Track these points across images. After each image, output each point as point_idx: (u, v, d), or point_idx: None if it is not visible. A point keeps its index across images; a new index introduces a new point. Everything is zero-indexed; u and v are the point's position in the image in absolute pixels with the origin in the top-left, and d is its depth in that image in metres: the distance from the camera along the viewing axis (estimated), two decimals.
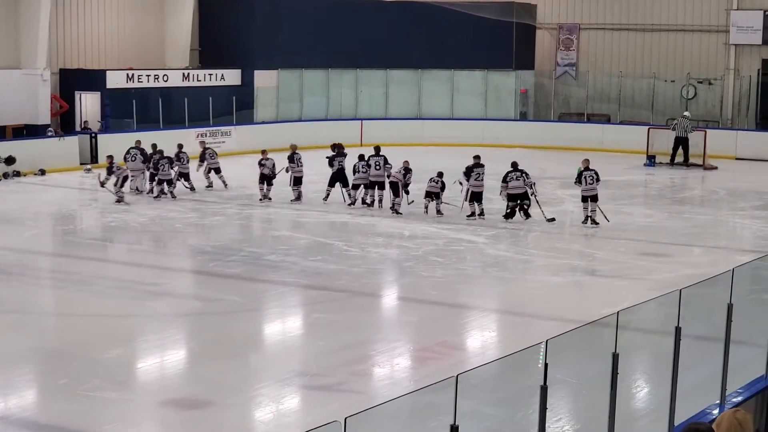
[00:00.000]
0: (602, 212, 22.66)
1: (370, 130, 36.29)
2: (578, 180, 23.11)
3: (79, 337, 14.25)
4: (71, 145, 29.94)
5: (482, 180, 23.60)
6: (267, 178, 25.36)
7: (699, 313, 11.30)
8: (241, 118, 35.83)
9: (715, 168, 32.58)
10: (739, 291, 10.83)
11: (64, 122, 32.29)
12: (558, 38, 41.08)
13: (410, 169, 24.19)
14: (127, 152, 26.03)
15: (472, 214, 23.27)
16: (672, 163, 33.02)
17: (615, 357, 8.69)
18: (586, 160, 23.58)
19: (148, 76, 33.98)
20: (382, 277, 18.43)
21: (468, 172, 23.75)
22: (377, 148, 25.20)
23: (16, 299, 16.39)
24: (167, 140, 28.81)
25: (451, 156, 34.29)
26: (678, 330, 9.60)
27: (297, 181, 25.27)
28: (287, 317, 15.82)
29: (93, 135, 30.51)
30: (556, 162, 33.79)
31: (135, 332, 14.66)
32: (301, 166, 25.38)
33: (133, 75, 33.47)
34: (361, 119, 37.46)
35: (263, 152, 25.94)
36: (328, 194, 25.05)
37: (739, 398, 10.43)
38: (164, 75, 34.53)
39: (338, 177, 25.14)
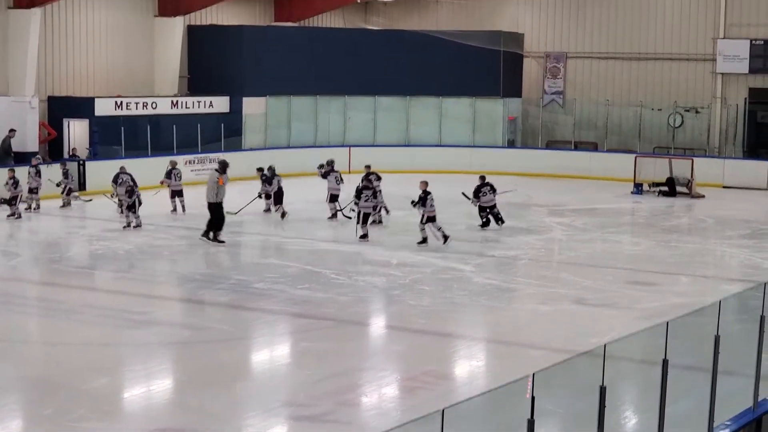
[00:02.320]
0: (443, 231, 23.11)
1: (358, 156, 36.25)
2: (419, 203, 23.42)
3: (65, 367, 14.15)
4: (58, 173, 29.81)
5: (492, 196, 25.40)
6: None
7: (686, 344, 11.32)
8: (229, 144, 35.83)
9: (703, 196, 32.66)
10: (727, 321, 10.84)
11: (52, 149, 32.24)
12: (545, 66, 41.26)
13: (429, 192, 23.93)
14: (117, 177, 26.40)
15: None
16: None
17: (602, 390, 8.68)
18: (425, 182, 24.03)
19: (136, 103, 33.99)
20: (369, 306, 18.40)
21: (477, 192, 25.39)
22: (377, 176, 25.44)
23: (1, 328, 16.28)
24: (155, 167, 28.88)
25: (439, 182, 34.39)
26: (665, 362, 9.60)
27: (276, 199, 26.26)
28: (275, 346, 15.77)
29: (81, 162, 30.46)
30: (543, 189, 33.93)
31: (121, 361, 14.57)
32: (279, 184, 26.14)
33: (121, 102, 33.48)
34: (350, 146, 37.50)
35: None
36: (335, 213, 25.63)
37: (727, 430, 10.43)
38: (153, 102, 34.55)
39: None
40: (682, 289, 19.62)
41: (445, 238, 23.20)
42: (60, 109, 32.83)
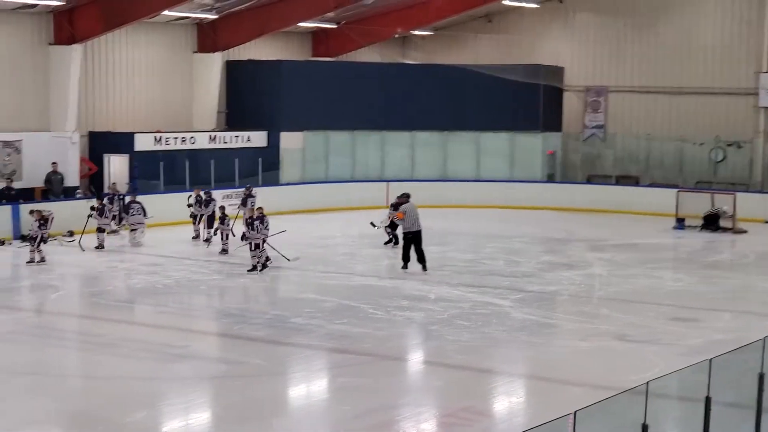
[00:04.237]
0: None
1: (396, 191, 36.20)
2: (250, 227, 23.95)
3: (104, 400, 14.15)
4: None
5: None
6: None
7: (730, 381, 11.13)
8: (266, 179, 35.93)
9: (745, 231, 32.33)
10: None
11: (93, 184, 32.44)
12: (585, 100, 41.13)
13: None
14: (129, 206, 27.64)
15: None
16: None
17: (645, 428, 8.53)
18: (260, 208, 24.60)
19: (175, 138, 34.16)
20: (407, 341, 18.29)
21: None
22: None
23: (41, 361, 16.32)
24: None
25: (476, 218, 34.34)
26: (708, 399, 9.44)
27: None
28: (312, 381, 15.68)
29: (121, 197, 30.61)
30: (584, 224, 33.72)
31: (160, 395, 14.57)
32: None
33: (160, 137, 33.67)
34: (387, 181, 37.44)
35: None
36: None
37: None
38: (191, 137, 34.72)
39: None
40: (724, 325, 19.38)
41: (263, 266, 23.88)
42: (100, 144, 33.06)
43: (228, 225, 26.72)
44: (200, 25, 36.20)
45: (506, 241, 29.36)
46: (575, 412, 7.69)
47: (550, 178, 40.04)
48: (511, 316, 19.75)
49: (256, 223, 24.14)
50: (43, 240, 24.90)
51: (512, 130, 39.38)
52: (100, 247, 27.10)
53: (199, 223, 28.68)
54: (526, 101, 39.19)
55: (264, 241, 24.28)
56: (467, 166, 39.41)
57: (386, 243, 28.00)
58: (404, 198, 25.20)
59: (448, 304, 20.60)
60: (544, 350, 17.67)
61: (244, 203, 28.98)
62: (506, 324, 19.11)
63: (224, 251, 26.32)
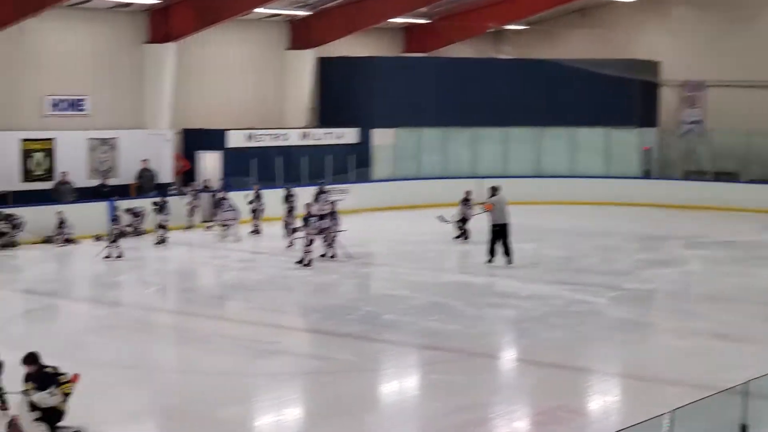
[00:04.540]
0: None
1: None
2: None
3: (197, 395, 14.23)
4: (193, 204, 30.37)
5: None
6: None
7: None
8: (358, 176, 35.95)
9: None
10: None
11: (186, 181, 32.77)
12: (682, 95, 40.41)
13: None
14: (219, 202, 28.13)
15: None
16: None
17: (744, 429, 8.28)
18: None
19: (267, 135, 34.36)
20: (499, 338, 18.11)
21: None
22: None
23: (137, 355, 16.52)
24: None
25: (571, 214, 33.98)
26: None
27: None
28: (403, 378, 15.60)
29: (214, 193, 30.89)
30: (680, 221, 33.17)
31: (252, 391, 14.63)
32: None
33: (252, 135, 33.89)
34: (480, 177, 37.15)
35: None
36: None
37: None
38: (283, 134, 34.89)
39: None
40: None
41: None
42: (193, 141, 33.40)
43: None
44: (293, 21, 36.35)
45: (602, 238, 29.01)
46: (672, 411, 7.47)
47: (647, 175, 39.40)
48: (606, 314, 19.47)
49: (327, 218, 24.57)
50: (123, 235, 25.15)
51: (607, 125, 38.82)
52: (160, 242, 27.13)
53: (258, 219, 29.17)
54: (621, 96, 38.60)
55: (334, 237, 24.67)
56: (561, 162, 38.97)
57: (456, 237, 27.97)
58: (493, 191, 25.00)
59: (541, 301, 20.36)
60: (639, 349, 17.37)
61: (316, 200, 28.82)
62: (601, 322, 18.85)
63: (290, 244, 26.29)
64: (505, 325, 18.83)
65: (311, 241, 24.14)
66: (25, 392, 11.69)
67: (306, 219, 24.52)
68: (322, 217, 24.79)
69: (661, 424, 7.67)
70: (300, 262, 23.96)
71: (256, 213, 29.29)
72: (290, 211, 27.67)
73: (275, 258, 25.16)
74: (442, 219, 28.06)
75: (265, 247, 26.92)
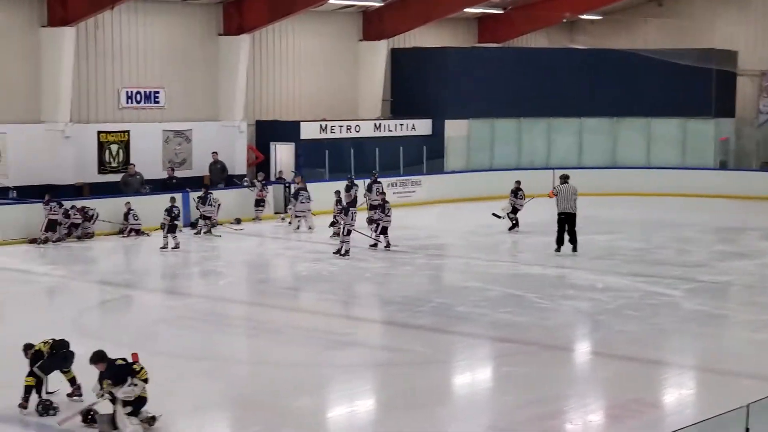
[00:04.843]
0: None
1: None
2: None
3: (270, 386, 14.31)
4: (267, 195, 30.52)
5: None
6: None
7: None
8: (431, 167, 35.89)
9: None
10: None
11: (258, 173, 32.93)
12: (761, 85, 39.72)
13: None
14: (297, 193, 28.14)
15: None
16: None
17: None
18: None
19: (340, 126, 34.44)
20: (574, 331, 17.95)
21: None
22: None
23: (210, 346, 16.63)
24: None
25: (646, 206, 33.59)
26: None
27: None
28: (476, 370, 15.52)
29: (287, 185, 31.04)
30: (758, 213, 32.64)
31: (324, 381, 14.65)
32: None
33: (326, 126, 33.99)
34: (554, 168, 36.88)
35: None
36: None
37: None
38: (356, 126, 34.93)
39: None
40: None
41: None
42: (267, 133, 33.58)
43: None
44: (366, 12, 36.36)
45: (677, 230, 28.64)
46: (748, 405, 7.32)
47: (723, 165, 38.81)
48: (682, 307, 19.21)
49: (378, 211, 25.08)
50: (175, 228, 25.32)
51: (683, 116, 38.30)
52: (199, 233, 27.31)
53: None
54: (697, 86, 38.05)
55: (385, 228, 24.95)
56: (637, 153, 38.53)
57: (510, 229, 28.04)
58: (561, 180, 24.87)
59: (616, 293, 20.15)
60: (715, 342, 17.17)
61: (369, 189, 28.97)
62: (676, 314, 18.60)
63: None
64: (579, 317, 18.67)
65: (348, 231, 24.24)
66: (108, 391, 11.78)
67: (344, 209, 24.68)
68: (373, 207, 25.07)
69: (739, 418, 7.52)
70: (338, 252, 24.05)
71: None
72: (352, 201, 27.96)
73: (378, 250, 25.12)
74: (495, 215, 28.07)
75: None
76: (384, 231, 25.01)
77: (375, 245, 24.92)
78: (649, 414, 13.02)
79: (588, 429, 12.58)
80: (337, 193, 26.74)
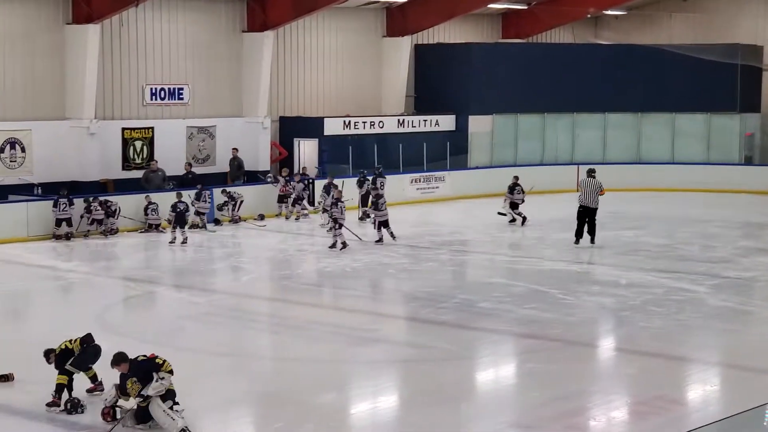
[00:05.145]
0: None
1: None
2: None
3: (294, 382, 14.33)
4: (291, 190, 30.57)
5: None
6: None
7: None
8: (455, 163, 35.87)
9: None
10: None
11: (282, 168, 32.99)
12: None
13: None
14: (327, 188, 28.10)
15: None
16: None
17: None
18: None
19: (364, 123, 34.47)
20: (598, 327, 17.91)
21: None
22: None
23: (234, 343, 16.68)
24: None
25: (671, 201, 33.47)
26: None
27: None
28: (500, 366, 15.51)
29: (310, 181, 31.08)
30: None
31: (348, 378, 14.66)
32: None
33: (349, 122, 34.02)
34: (578, 164, 36.77)
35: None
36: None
37: None
38: (380, 121, 34.95)
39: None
40: None
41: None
42: (290, 129, 33.65)
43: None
44: (389, 9, 36.37)
45: (702, 226, 28.52)
46: None
47: (748, 161, 38.63)
48: (707, 303, 19.14)
49: (380, 202, 25.52)
50: (183, 222, 25.46)
51: (708, 111, 38.14)
52: (198, 227, 27.29)
53: (366, 206, 29.16)
54: (722, 81, 37.86)
55: (380, 223, 25.36)
56: (662, 148, 38.38)
57: (511, 221, 28.38)
58: (587, 173, 24.93)
59: (640, 289, 20.09)
60: (740, 338, 17.08)
61: (374, 183, 29.06)
62: (701, 311, 18.53)
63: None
64: (603, 313, 18.62)
65: (340, 225, 24.51)
66: (137, 392, 11.80)
67: (335, 203, 24.92)
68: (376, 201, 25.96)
69: (763, 414, 7.49)
70: (333, 246, 24.36)
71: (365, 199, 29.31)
72: (365, 195, 28.18)
73: (373, 245, 25.18)
74: (500, 213, 28.27)
75: (362, 234, 26.93)
76: (381, 225, 25.37)
77: (380, 240, 25.20)
78: (673, 411, 12.97)
79: (612, 425, 12.54)
80: (326, 186, 27.07)
